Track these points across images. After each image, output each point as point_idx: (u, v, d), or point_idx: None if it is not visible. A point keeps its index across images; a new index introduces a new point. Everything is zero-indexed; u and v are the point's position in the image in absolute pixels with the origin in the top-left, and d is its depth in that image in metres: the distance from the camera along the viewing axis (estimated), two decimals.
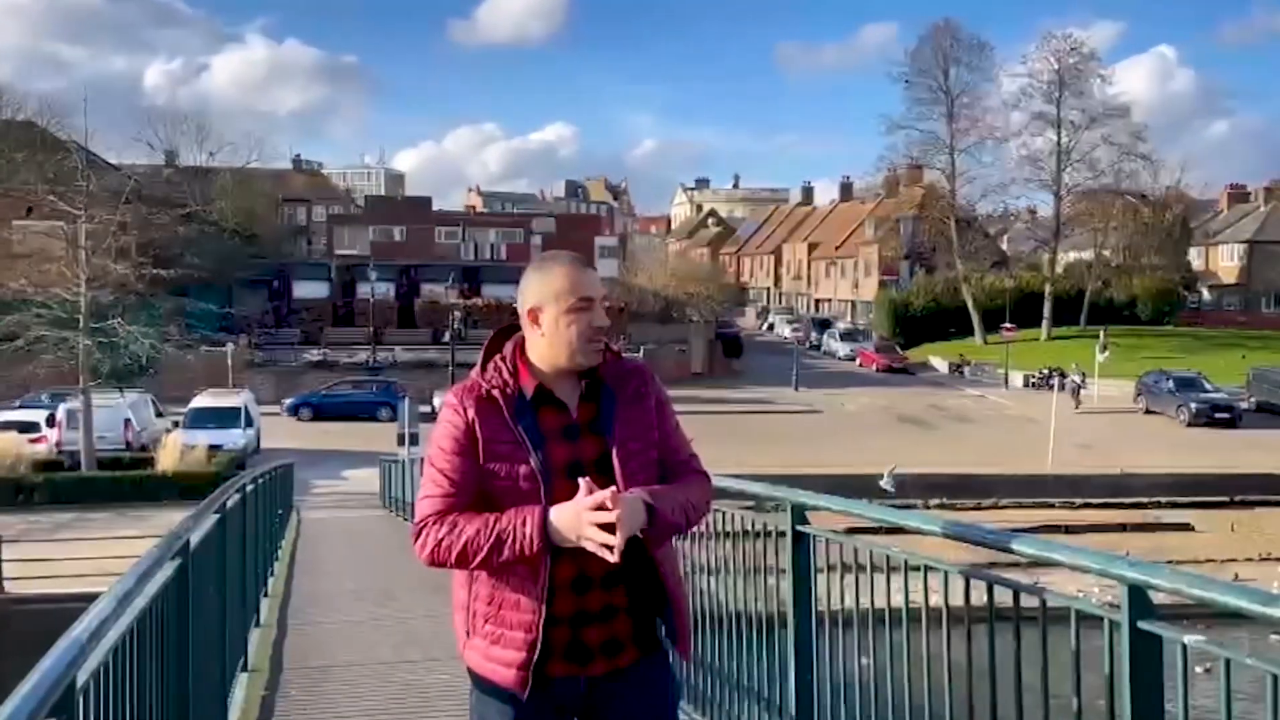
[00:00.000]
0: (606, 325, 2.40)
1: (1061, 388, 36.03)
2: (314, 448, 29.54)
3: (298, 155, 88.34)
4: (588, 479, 2.22)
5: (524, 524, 2.21)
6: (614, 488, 2.21)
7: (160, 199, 41.11)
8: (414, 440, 21.58)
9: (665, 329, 50.47)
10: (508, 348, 2.43)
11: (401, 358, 43.54)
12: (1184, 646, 2.19)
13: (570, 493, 2.28)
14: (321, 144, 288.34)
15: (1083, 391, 40.28)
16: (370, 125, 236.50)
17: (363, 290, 48.48)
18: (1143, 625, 2.28)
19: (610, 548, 2.17)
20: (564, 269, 2.39)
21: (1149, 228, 58.42)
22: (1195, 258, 66.09)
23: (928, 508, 25.50)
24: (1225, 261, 67.24)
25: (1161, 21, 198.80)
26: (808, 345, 58.98)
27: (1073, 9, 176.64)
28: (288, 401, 37.58)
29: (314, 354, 43.76)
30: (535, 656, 2.28)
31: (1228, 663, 2.08)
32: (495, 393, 2.34)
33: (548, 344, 2.37)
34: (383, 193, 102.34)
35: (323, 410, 36.77)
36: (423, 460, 2.42)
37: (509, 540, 2.22)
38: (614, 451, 2.32)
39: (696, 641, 4.58)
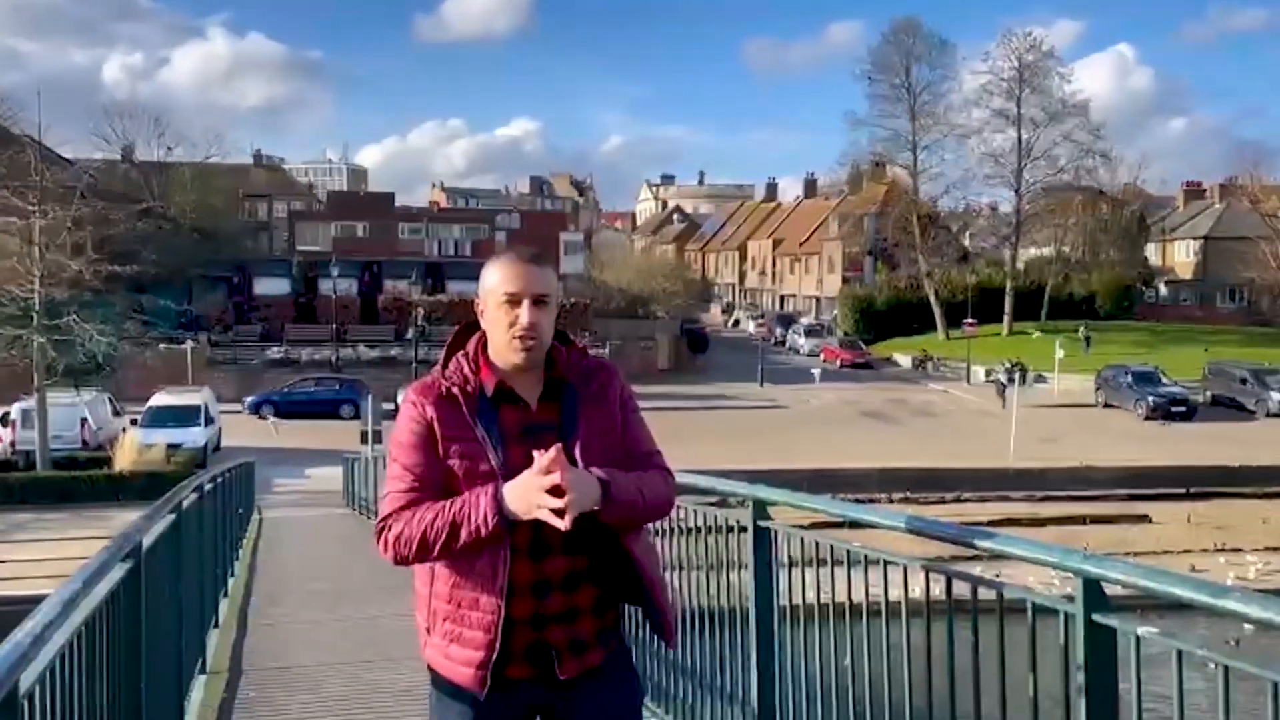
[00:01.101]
0: (529, 323, 2.30)
1: (1012, 382, 36.35)
2: (276, 446, 29.23)
3: (258, 150, 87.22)
4: (540, 450, 2.17)
5: (477, 501, 2.20)
6: (557, 445, 2.17)
7: (117, 194, 40.52)
8: (377, 438, 21.42)
9: (631, 325, 50.44)
10: (471, 344, 2.40)
11: (365, 355, 43.21)
12: (1137, 638, 2.22)
13: None
14: (285, 139, 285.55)
15: (1009, 391, 40.52)
16: (334, 121, 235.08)
17: (325, 287, 48.00)
18: (1097, 617, 2.31)
19: (561, 513, 2.11)
20: (501, 264, 2.37)
21: (1108, 224, 59.34)
22: (1152, 253, 67.18)
23: (891, 501, 25.74)
24: (1181, 257, 68.40)
25: (1121, 20, 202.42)
26: (773, 341, 59.24)
27: (1035, 7, 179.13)
28: (248, 399, 37.15)
29: (275, 351, 43.26)
30: (494, 657, 2.26)
31: (1179, 653, 2.10)
32: (455, 390, 2.32)
33: (490, 340, 2.36)
34: (345, 188, 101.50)
35: (285, 408, 36.40)
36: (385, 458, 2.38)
37: (465, 520, 2.20)
38: (576, 450, 2.29)
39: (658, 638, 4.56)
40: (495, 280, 2.34)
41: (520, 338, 2.30)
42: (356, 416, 28.01)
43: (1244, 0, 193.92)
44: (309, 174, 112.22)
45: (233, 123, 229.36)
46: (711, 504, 4.35)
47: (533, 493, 2.15)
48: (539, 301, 2.31)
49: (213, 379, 36.26)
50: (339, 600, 8.54)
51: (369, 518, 15.15)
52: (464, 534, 2.20)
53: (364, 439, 22.14)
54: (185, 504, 5.41)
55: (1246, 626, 1.74)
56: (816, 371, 44.58)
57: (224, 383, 37.47)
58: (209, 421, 29.38)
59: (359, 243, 56.94)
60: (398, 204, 68.15)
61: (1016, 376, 39.40)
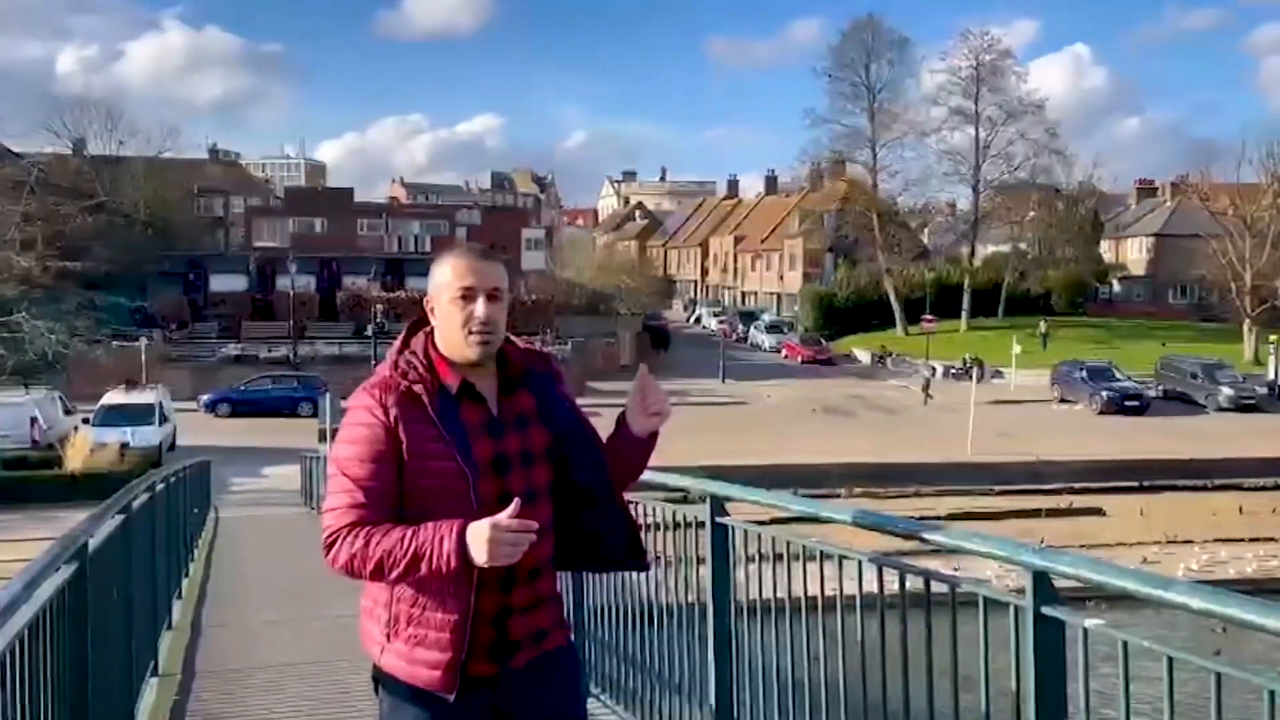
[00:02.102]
0: (484, 318, 2.29)
1: (955, 372, 36.69)
2: (233, 445, 28.86)
3: (214, 145, 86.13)
4: (518, 500, 2.15)
5: (440, 543, 2.14)
6: (516, 501, 2.16)
7: (67, 189, 39.75)
8: (336, 436, 21.19)
9: (593, 321, 50.40)
10: (417, 341, 2.36)
11: (323, 352, 42.77)
12: (1085, 630, 2.25)
13: (496, 489, 2.25)
14: (242, 134, 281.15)
15: (933, 386, 40.93)
16: (293, 116, 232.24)
17: (282, 283, 47.41)
18: (1046, 610, 2.33)
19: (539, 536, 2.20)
20: (452, 259, 2.34)
21: (1063, 221, 60.15)
22: (1106, 250, 68.22)
23: (851, 496, 25.94)
24: (1134, 254, 69.56)
25: (1077, 20, 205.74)
26: (734, 338, 59.46)
27: (993, 7, 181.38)
28: (205, 397, 36.64)
29: (232, 348, 42.71)
30: (464, 655, 2.24)
31: (1125, 645, 2.14)
32: (417, 388, 2.27)
33: (440, 336, 2.33)
34: (303, 184, 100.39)
35: (242, 406, 35.93)
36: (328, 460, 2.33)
37: (426, 557, 2.15)
38: (566, 440, 2.34)
39: (616, 634, 4.57)
40: (448, 275, 2.31)
41: (477, 332, 2.28)
42: (315, 415, 27.68)
43: (1196, 2, 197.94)
44: (266, 169, 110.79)
45: (189, 117, 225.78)
46: (674, 500, 4.35)
47: (502, 542, 2.12)
48: (493, 296, 2.30)
49: (168, 377, 35.70)
50: (297, 600, 8.44)
51: None
52: (424, 568, 2.17)
53: (322, 437, 21.88)
54: (136, 504, 5.32)
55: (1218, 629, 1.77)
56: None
57: (179, 380, 36.92)
58: (163, 420, 28.94)
59: (317, 239, 56.36)
60: (357, 200, 67.53)
61: (974, 371, 39.95)
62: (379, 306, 41.25)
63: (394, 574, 2.19)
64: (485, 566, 2.15)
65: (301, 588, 9.01)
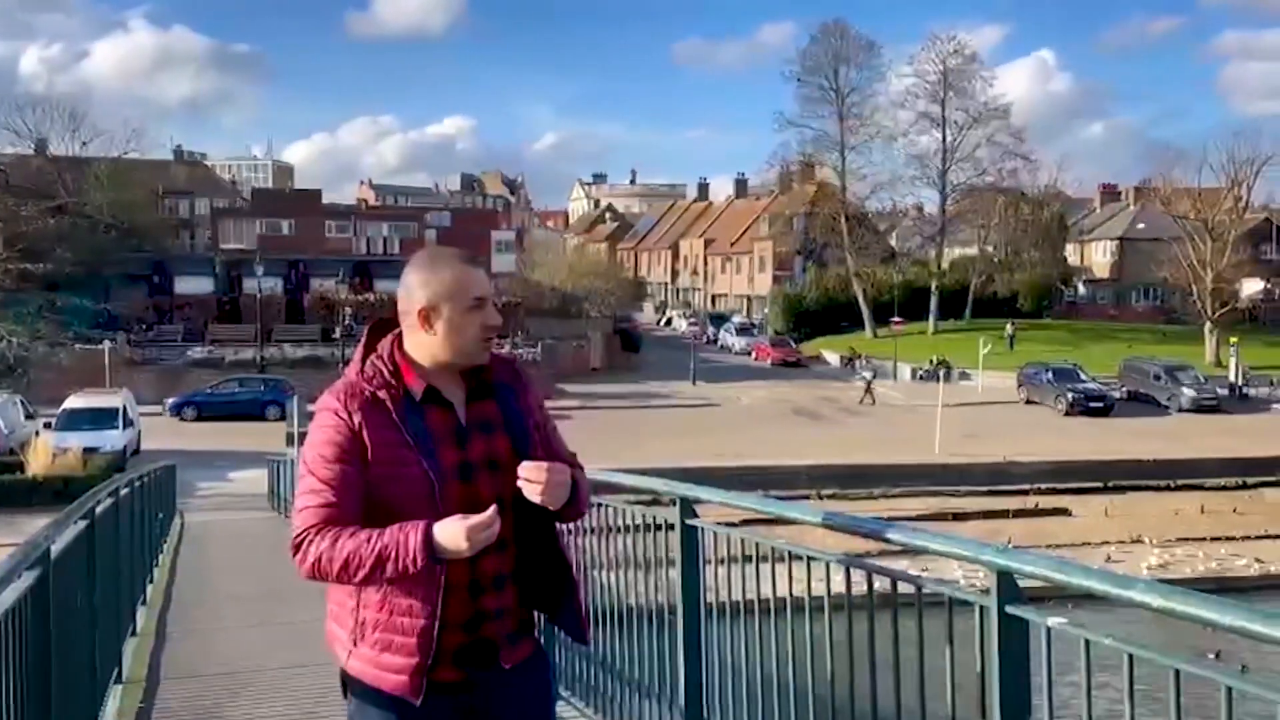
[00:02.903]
0: (499, 323, 2.36)
1: (872, 380, 36.70)
2: (199, 448, 28.55)
3: (179, 146, 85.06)
4: (495, 508, 2.16)
5: (406, 540, 2.14)
6: (494, 508, 2.16)
7: (29, 190, 39.20)
8: (304, 440, 21.02)
9: (563, 324, 50.30)
10: (384, 345, 2.35)
11: (291, 355, 42.38)
12: (1048, 629, 2.28)
13: (462, 495, 2.25)
14: (210, 134, 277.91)
15: (875, 387, 41.11)
16: (262, 116, 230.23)
17: (249, 285, 46.98)
18: (1010, 609, 2.37)
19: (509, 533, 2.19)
20: (458, 268, 2.34)
21: (1029, 224, 60.80)
22: (1071, 253, 69.07)
23: (821, 498, 26.07)
24: (1098, 257, 70.48)
25: (1043, 26, 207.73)
26: (705, 340, 59.61)
27: (961, 12, 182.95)
28: (170, 401, 36.21)
29: (198, 351, 42.23)
30: (430, 661, 2.24)
31: (1086, 643, 2.17)
32: (382, 394, 2.27)
33: (440, 343, 2.31)
34: (271, 185, 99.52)
35: (208, 409, 35.55)
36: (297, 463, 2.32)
37: (391, 557, 2.15)
38: (527, 446, 2.32)
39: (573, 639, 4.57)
40: (461, 283, 2.31)
41: (488, 338, 2.33)
42: (282, 418, 27.44)
43: (1159, 8, 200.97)
44: (232, 170, 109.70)
45: (156, 117, 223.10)
46: (645, 502, 4.37)
47: (465, 539, 2.13)
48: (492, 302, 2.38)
49: (133, 380, 35.26)
50: (264, 605, 8.37)
51: None
52: (390, 569, 2.17)
53: (290, 440, 21.70)
54: (99, 509, 5.26)
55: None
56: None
57: (144, 384, 36.47)
58: (128, 424, 28.56)
59: (285, 240, 55.86)
60: (326, 201, 67.03)
61: (942, 373, 40.32)
62: (347, 309, 40.94)
63: (360, 574, 2.19)
64: (457, 557, 2.15)
65: (268, 592, 8.94)
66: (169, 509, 14.59)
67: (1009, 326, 52.48)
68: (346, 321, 37.76)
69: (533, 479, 2.22)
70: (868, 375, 42.08)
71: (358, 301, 44.75)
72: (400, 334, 2.36)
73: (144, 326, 45.37)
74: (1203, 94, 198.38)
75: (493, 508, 2.16)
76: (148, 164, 62.27)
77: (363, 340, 2.39)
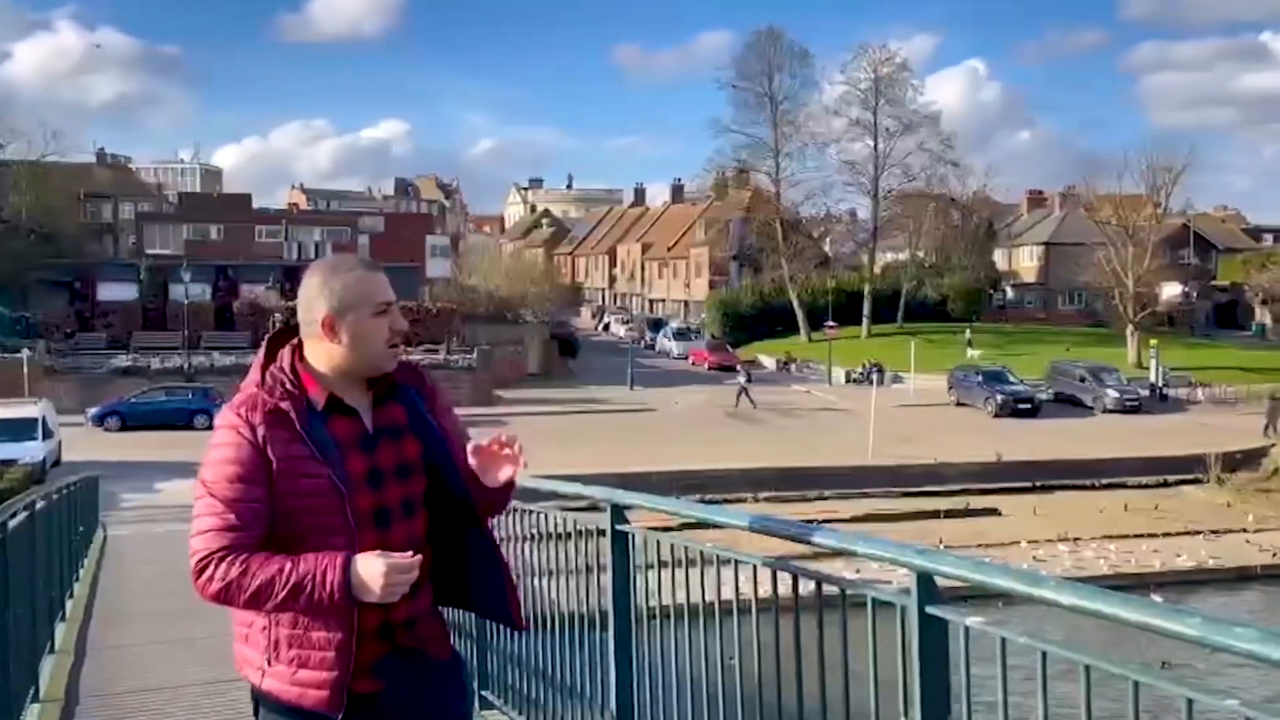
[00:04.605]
0: (405, 328, 2.34)
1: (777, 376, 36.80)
2: (124, 459, 27.80)
3: (101, 148, 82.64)
4: (419, 557, 2.13)
5: (324, 576, 2.11)
6: (418, 558, 2.13)
7: None
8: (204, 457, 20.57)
9: (500, 329, 50.02)
10: (282, 356, 2.31)
11: (219, 362, 41.36)
12: (966, 629, 2.33)
13: (371, 504, 2.23)
14: (137, 138, 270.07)
15: (750, 391, 41.42)
16: (192, 119, 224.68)
17: (176, 292, 45.85)
18: (930, 610, 2.41)
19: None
20: (361, 274, 2.31)
21: (958, 230, 62.10)
22: (1000, 258, 70.64)
23: (757, 501, 26.29)
24: (1026, 262, 72.20)
25: (974, 36, 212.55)
26: (642, 345, 59.74)
27: (895, 22, 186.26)
28: (92, 410, 35.21)
29: (122, 360, 41.07)
30: (349, 674, 2.21)
31: (1003, 641, 2.22)
32: (284, 405, 2.22)
33: (346, 352, 2.27)
34: (198, 189, 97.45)
35: (132, 419, 34.64)
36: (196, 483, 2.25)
37: (308, 590, 2.11)
38: (447, 448, 2.31)
39: (518, 643, 4.55)
40: (366, 290, 2.28)
41: (395, 344, 2.30)
42: (211, 427, 26.85)
43: (1083, 19, 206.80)
44: (158, 174, 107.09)
45: (81, 120, 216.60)
46: (581, 508, 4.36)
47: (395, 582, 2.10)
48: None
49: (53, 389, 34.23)
50: (187, 620, 8.13)
51: None
52: (304, 602, 2.13)
53: None
54: (13, 523, 5.10)
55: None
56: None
57: (65, 393, 35.41)
58: (47, 434, 27.71)
59: (213, 246, 54.76)
60: (256, 205, 65.86)
61: (875, 376, 40.92)
62: (278, 315, 40.12)
63: (270, 605, 2.15)
64: (370, 600, 2.12)
65: (195, 607, 8.68)
66: (91, 522, 14.17)
67: (968, 331, 53.29)
68: (277, 328, 36.99)
69: (505, 448, 2.26)
70: (742, 380, 42.40)
71: (289, 308, 43.90)
72: (299, 343, 2.32)
73: (65, 334, 44.05)
74: (1124, 103, 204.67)
75: (414, 555, 2.13)
76: (68, 167, 60.47)
77: (262, 351, 2.34)
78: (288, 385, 2.25)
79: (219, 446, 2.21)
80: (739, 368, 45.99)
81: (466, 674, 2.52)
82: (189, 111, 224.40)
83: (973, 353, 42.44)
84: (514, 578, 2.50)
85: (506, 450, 2.28)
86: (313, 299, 2.29)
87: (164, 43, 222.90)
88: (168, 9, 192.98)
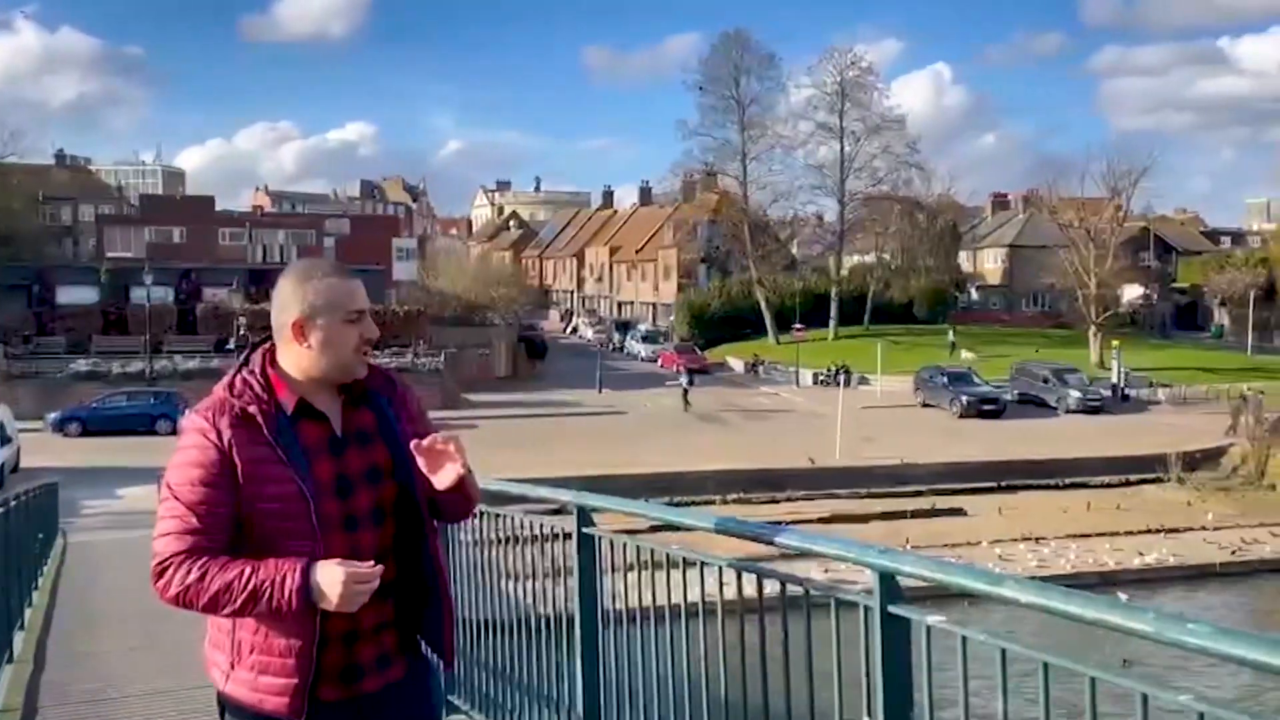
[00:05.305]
0: (377, 336, 2.34)
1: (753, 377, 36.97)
2: (84, 465, 27.40)
3: (61, 150, 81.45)
4: (380, 568, 2.13)
5: (283, 581, 2.10)
6: (380, 568, 2.14)
7: None
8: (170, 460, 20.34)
9: (467, 332, 49.82)
10: (255, 359, 2.30)
11: (182, 366, 40.90)
12: (928, 628, 2.35)
13: (339, 510, 2.23)
14: (98, 139, 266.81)
15: (691, 394, 41.61)
16: (154, 121, 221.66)
17: (138, 295, 45.19)
18: (893, 609, 2.43)
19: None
20: (336, 280, 2.30)
21: (924, 233, 62.62)
22: (964, 260, 71.38)
23: (726, 503, 26.35)
24: (990, 264, 73.00)
25: (938, 40, 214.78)
26: (611, 347, 59.72)
27: (861, 26, 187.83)
28: (52, 416, 34.67)
29: (82, 364, 40.49)
30: (310, 680, 2.20)
31: (964, 640, 2.25)
32: (252, 409, 2.21)
33: (316, 357, 2.27)
34: (160, 192, 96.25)
35: (93, 424, 34.14)
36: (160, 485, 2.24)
37: (266, 596, 2.11)
38: (407, 453, 2.28)
39: (484, 648, 4.54)
40: (338, 297, 2.27)
41: (366, 350, 2.30)
42: (174, 432, 26.53)
43: (1044, 24, 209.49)
44: (119, 176, 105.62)
45: (41, 121, 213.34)
46: (549, 512, 4.36)
47: (354, 591, 2.10)
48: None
49: (11, 394, 33.69)
50: (147, 625, 8.05)
51: None
52: (263, 606, 2.12)
53: None
54: None
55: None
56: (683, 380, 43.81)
57: (24, 398, 34.88)
58: (5, 440, 27.26)
59: (175, 249, 54.02)
60: (220, 208, 65.12)
61: (842, 378, 41.17)
62: (242, 319, 39.76)
63: (228, 610, 2.15)
64: (327, 607, 2.11)
65: (158, 613, 8.58)
66: (50, 529, 13.96)
67: (950, 334, 53.49)
68: (241, 332, 36.70)
69: (441, 448, 2.22)
70: (684, 383, 42.55)
71: (253, 311, 43.49)
72: (272, 347, 2.32)
73: (23, 338, 43.35)
74: (1085, 107, 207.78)
75: (374, 565, 2.13)
76: (27, 168, 59.60)
77: (241, 358, 2.34)
78: (256, 389, 2.24)
79: (184, 450, 2.20)
80: (678, 369, 46.03)
81: (436, 680, 2.51)
82: (151, 113, 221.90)
83: (966, 355, 42.67)
84: (453, 611, 2.47)
85: (443, 448, 2.23)
86: (286, 302, 2.29)
87: (127, 43, 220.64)
88: (130, 9, 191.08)
